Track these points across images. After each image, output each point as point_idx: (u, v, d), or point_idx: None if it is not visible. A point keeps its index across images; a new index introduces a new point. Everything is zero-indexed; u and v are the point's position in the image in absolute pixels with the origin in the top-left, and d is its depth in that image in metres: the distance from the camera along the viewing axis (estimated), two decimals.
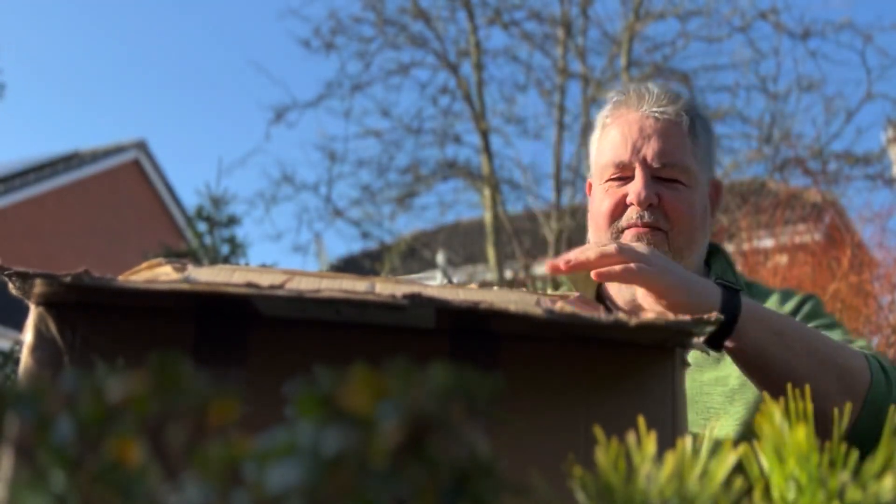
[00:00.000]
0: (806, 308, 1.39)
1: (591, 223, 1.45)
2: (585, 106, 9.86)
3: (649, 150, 1.36)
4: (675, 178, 1.36)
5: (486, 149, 9.92)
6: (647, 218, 1.35)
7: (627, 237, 1.36)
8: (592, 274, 1.09)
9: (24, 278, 0.78)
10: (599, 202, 1.41)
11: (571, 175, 9.82)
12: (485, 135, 9.94)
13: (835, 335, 1.31)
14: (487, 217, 9.85)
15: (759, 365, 1.11)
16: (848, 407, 0.63)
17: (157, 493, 0.37)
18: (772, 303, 1.40)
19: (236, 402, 0.40)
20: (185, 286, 0.77)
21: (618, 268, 1.08)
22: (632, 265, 1.08)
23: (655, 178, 1.36)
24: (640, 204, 1.34)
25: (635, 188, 1.35)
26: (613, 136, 1.41)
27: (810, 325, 1.34)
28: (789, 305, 1.40)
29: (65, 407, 0.38)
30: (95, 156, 14.66)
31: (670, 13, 9.92)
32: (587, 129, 9.60)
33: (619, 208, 1.37)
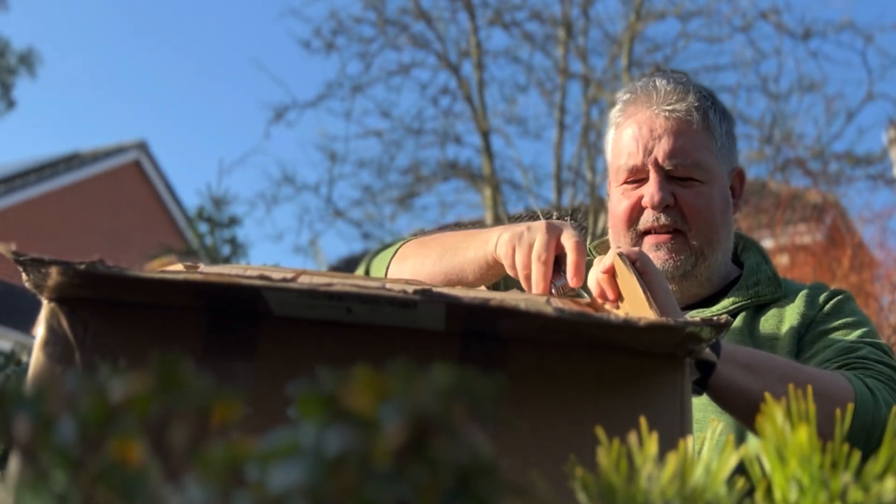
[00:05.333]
0: (830, 304, 1.38)
1: (610, 225, 1.45)
2: (586, 106, 9.86)
3: (661, 151, 1.35)
4: (689, 176, 1.36)
5: (487, 149, 9.92)
6: (663, 220, 1.36)
7: (647, 245, 1.37)
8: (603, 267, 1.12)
9: (40, 265, 0.78)
10: (617, 204, 1.41)
11: (572, 175, 9.81)
12: (485, 135, 9.93)
13: (851, 335, 1.30)
14: (488, 217, 9.84)
15: (730, 398, 1.10)
16: (850, 407, 0.63)
17: (159, 494, 0.36)
18: (801, 299, 1.38)
19: (238, 402, 0.40)
20: (198, 276, 0.78)
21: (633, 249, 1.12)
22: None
23: (670, 177, 1.36)
24: (655, 207, 1.35)
25: (649, 191, 1.35)
26: (625, 137, 1.40)
27: (830, 322, 1.34)
28: (819, 300, 1.39)
29: (67, 407, 0.38)
30: (96, 156, 14.66)
31: (671, 13, 9.92)
32: (588, 129, 9.61)
33: (636, 211, 1.38)
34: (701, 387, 1.07)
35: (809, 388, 0.57)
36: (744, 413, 1.10)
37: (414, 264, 1.33)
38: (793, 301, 1.39)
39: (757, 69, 9.98)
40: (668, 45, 10.09)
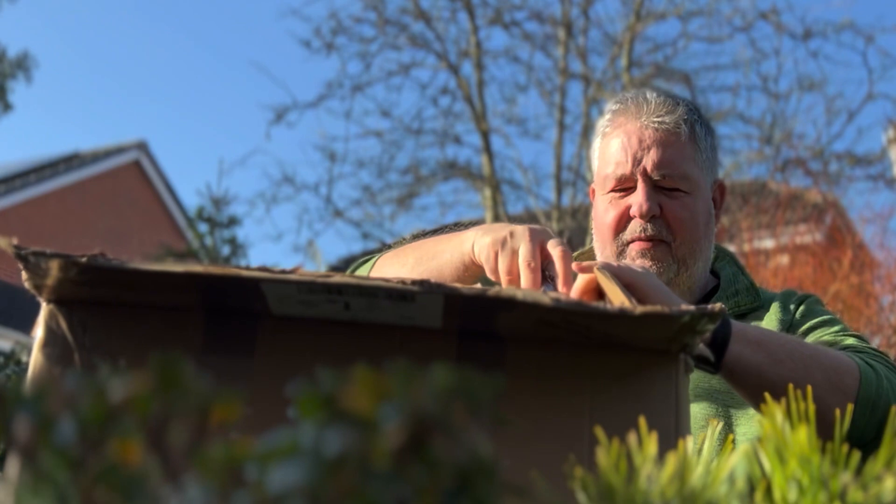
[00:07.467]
0: (802, 307, 1.41)
1: (595, 234, 1.46)
2: (586, 106, 9.87)
3: (649, 162, 1.37)
4: (676, 188, 1.38)
5: (487, 149, 9.92)
6: (649, 230, 1.37)
7: (632, 252, 1.38)
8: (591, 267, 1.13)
9: (41, 258, 0.78)
10: (603, 214, 1.42)
11: (572, 175, 9.82)
12: (485, 135, 9.94)
13: (831, 331, 1.33)
14: (488, 218, 9.84)
15: (741, 376, 1.11)
16: (850, 408, 0.63)
17: (159, 494, 0.37)
18: (775, 307, 1.41)
19: (238, 402, 0.40)
20: (198, 268, 0.78)
21: (612, 263, 1.13)
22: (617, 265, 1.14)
23: (657, 187, 1.38)
24: (642, 216, 1.37)
25: (637, 200, 1.37)
26: (613, 146, 1.42)
27: (807, 322, 1.37)
28: (791, 306, 1.42)
29: (67, 407, 0.38)
30: (96, 156, 14.67)
31: (671, 13, 9.92)
32: (588, 129, 9.61)
33: (623, 220, 1.39)
34: (715, 367, 1.09)
35: (810, 389, 0.58)
36: (754, 390, 1.11)
37: (392, 273, 1.34)
38: (768, 310, 1.42)
39: (757, 69, 9.99)
40: (668, 45, 10.10)
